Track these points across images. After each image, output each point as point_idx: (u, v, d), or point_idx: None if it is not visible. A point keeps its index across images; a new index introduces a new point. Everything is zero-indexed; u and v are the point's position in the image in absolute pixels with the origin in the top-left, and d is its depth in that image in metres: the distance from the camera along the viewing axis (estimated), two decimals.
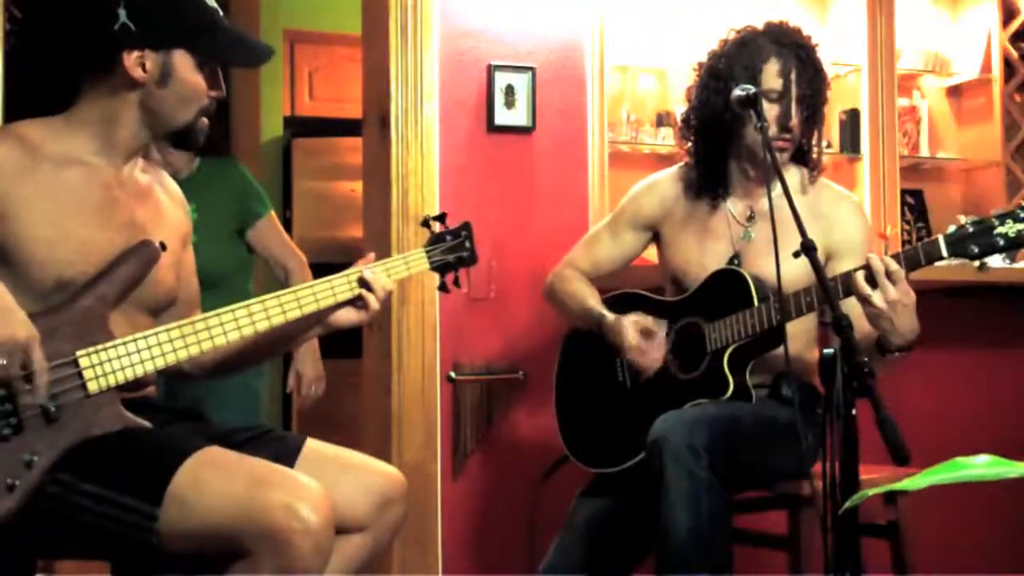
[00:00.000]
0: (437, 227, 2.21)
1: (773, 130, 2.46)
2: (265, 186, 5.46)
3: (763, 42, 2.51)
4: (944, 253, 2.20)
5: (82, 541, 1.82)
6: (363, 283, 2.06)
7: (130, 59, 1.93)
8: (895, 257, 2.23)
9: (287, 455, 1.98)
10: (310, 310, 2.03)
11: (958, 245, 2.19)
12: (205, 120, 2.03)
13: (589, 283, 2.72)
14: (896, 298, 2.17)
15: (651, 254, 2.81)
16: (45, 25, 3.18)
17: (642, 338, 2.50)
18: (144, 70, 1.94)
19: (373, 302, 2.06)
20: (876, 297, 2.17)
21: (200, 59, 1.99)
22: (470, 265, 2.23)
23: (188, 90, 1.98)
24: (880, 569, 2.58)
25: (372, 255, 2.13)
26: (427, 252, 2.18)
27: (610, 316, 2.56)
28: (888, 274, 2.17)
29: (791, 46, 2.51)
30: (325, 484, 1.85)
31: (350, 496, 1.97)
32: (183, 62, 1.97)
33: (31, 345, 1.73)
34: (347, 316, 2.09)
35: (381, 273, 2.09)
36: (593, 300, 2.65)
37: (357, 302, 2.07)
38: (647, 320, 2.53)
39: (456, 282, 2.21)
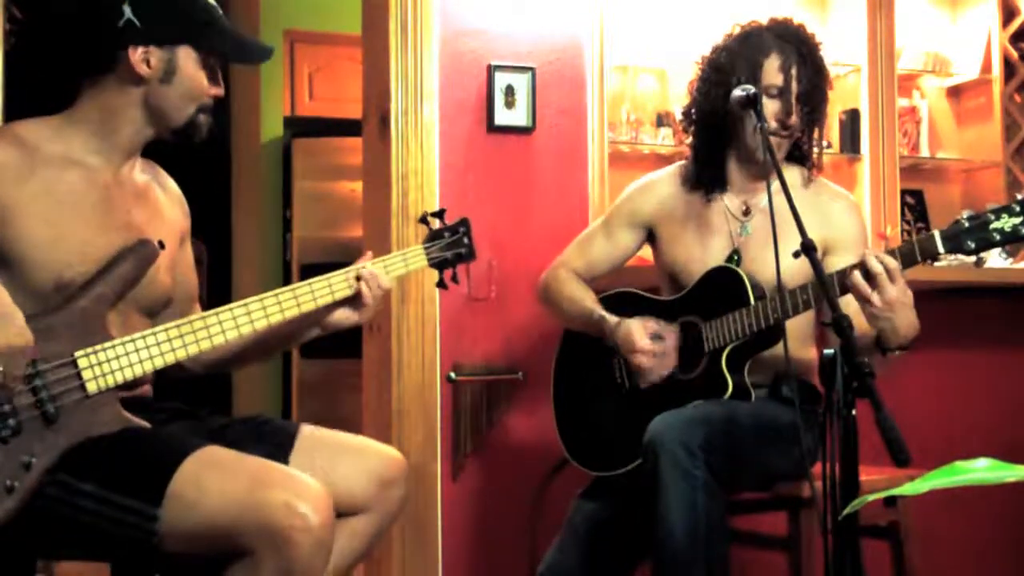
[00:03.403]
0: (436, 223, 2.21)
1: (772, 126, 2.46)
2: (265, 186, 5.53)
3: (766, 37, 2.51)
4: (940, 248, 2.18)
5: (82, 542, 1.82)
6: (359, 278, 2.06)
7: (135, 55, 1.93)
8: (890, 254, 2.21)
9: (284, 444, 1.99)
10: (308, 309, 2.03)
11: (954, 240, 2.17)
12: (205, 117, 2.03)
13: (585, 284, 2.71)
14: (895, 297, 2.15)
15: (646, 252, 2.81)
16: (47, 23, 3.19)
17: (652, 342, 2.49)
18: (149, 66, 1.94)
19: (367, 297, 2.06)
20: (875, 297, 2.15)
21: (203, 56, 1.99)
22: (468, 261, 2.22)
23: (191, 87, 1.98)
24: (880, 571, 2.58)
25: (370, 253, 2.14)
26: (425, 249, 2.18)
27: (612, 318, 2.55)
28: (887, 272, 2.16)
29: (793, 42, 2.50)
30: (323, 468, 1.86)
31: (349, 478, 1.97)
32: (187, 58, 1.97)
33: (26, 352, 1.73)
34: (344, 316, 2.09)
35: (380, 270, 2.09)
36: (591, 302, 2.63)
37: (353, 301, 2.07)
38: (657, 323, 2.50)
39: (455, 278, 2.21)
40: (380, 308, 2.13)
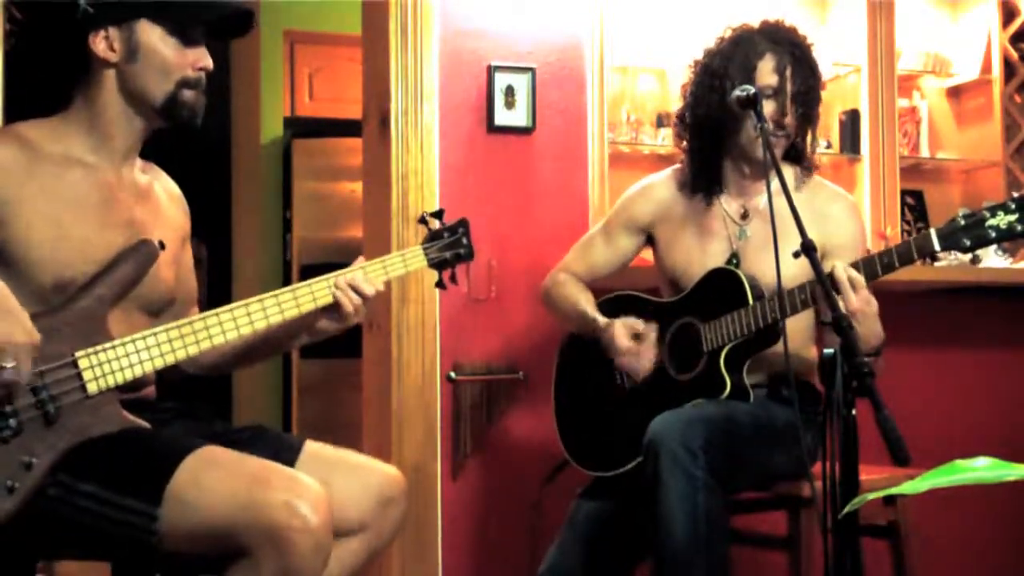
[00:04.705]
0: (435, 224, 2.21)
1: (768, 127, 2.46)
2: (265, 186, 5.53)
3: (758, 39, 2.52)
4: (936, 246, 2.21)
5: (82, 542, 1.83)
6: (338, 287, 2.04)
7: (96, 40, 1.94)
8: (887, 253, 2.23)
9: (286, 456, 1.98)
10: (308, 308, 2.02)
11: (950, 238, 2.20)
12: (191, 93, 2.00)
13: (584, 287, 2.71)
14: (857, 307, 2.20)
15: (648, 252, 2.81)
16: (30, 27, 3.21)
17: (632, 341, 2.51)
18: (113, 49, 1.95)
19: (347, 304, 2.04)
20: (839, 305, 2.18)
21: (169, 28, 1.97)
22: (467, 261, 2.23)
23: (160, 61, 1.97)
24: (880, 570, 2.58)
25: (361, 258, 2.12)
26: (424, 249, 2.18)
27: (602, 320, 2.57)
28: (851, 283, 2.20)
29: (786, 44, 2.51)
30: (324, 483, 1.85)
31: (349, 496, 1.97)
32: (148, 33, 1.96)
33: (30, 350, 1.73)
34: (326, 324, 2.09)
35: (360, 275, 2.06)
36: (586, 304, 2.65)
37: (335, 308, 2.06)
38: (637, 323, 2.54)
39: (453, 279, 2.21)
40: (365, 313, 2.10)
